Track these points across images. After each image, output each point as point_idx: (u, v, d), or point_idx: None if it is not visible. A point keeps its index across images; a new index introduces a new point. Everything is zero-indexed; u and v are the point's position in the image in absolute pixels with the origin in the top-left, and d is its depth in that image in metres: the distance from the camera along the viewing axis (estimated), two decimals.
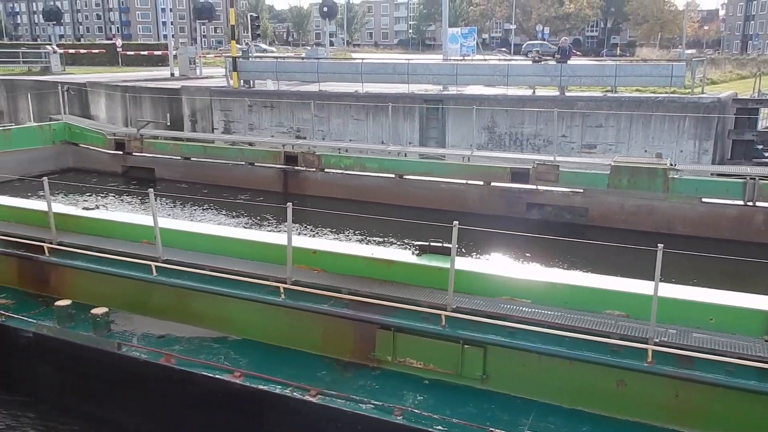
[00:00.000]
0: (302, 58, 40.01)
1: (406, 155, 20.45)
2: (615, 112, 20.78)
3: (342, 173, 19.06)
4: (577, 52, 56.43)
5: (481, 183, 18.32)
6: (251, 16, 38.21)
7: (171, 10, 46.68)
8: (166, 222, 10.36)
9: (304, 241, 9.59)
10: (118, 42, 57.67)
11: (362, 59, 31.66)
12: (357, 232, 16.17)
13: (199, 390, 7.94)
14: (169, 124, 25.01)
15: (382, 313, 7.79)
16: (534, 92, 24.70)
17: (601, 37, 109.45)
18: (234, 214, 17.35)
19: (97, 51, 57.74)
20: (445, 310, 7.45)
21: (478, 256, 14.32)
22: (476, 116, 20.85)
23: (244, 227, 15.86)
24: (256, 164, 19.21)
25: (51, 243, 9.84)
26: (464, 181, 18.56)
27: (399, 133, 24.05)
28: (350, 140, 23.77)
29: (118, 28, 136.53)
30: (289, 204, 8.20)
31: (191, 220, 16.14)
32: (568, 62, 25.44)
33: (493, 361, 7.42)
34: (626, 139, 19.90)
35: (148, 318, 9.25)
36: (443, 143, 23.37)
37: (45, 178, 9.88)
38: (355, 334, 8.11)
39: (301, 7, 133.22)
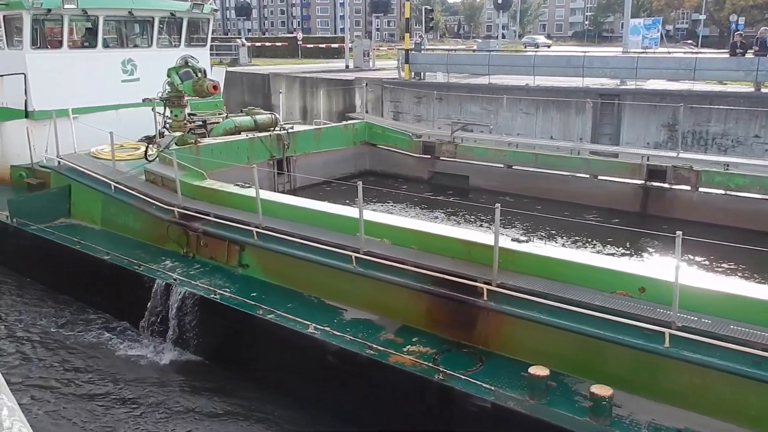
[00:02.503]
0: (473, 51, 39.88)
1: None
2: None
3: (728, 195, 14.83)
4: None
5: None
6: (425, 9, 38.64)
7: (348, 4, 48.58)
8: (654, 269, 7.85)
9: None
10: (299, 35, 61.08)
11: (535, 51, 30.85)
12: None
13: None
14: (491, 127, 22.31)
15: None
16: (725, 86, 22.69)
17: None
18: (585, 238, 13.41)
19: (280, 44, 61.61)
20: None
21: None
22: (656, 113, 19.51)
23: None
24: (600, 177, 15.64)
25: (491, 284, 7.76)
26: None
27: (570, 129, 23.24)
28: (518, 134, 23.33)
29: (299, 22, 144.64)
30: None
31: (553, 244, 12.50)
32: None
33: None
34: None
35: (640, 398, 6.94)
36: (617, 140, 22.23)
37: (497, 205, 7.74)
38: None
39: None
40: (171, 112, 14.53)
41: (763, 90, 21.56)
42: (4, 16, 15.88)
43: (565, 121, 23.22)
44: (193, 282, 10.30)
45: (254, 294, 9.82)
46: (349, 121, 19.55)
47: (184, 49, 17.55)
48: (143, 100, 14.90)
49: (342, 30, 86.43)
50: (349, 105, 29.68)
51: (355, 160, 18.64)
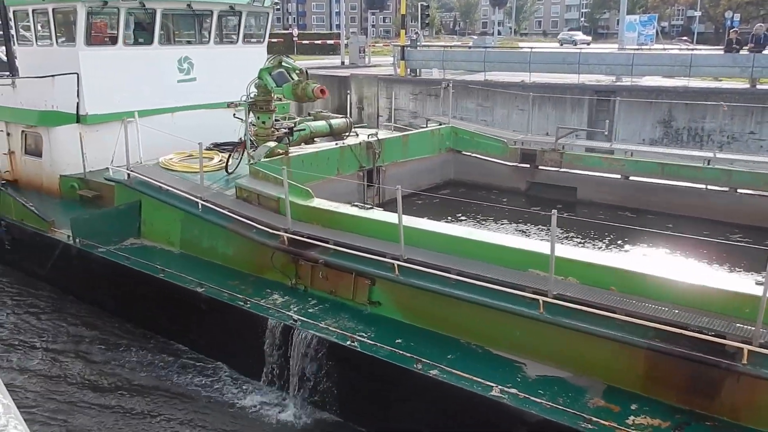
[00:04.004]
0: (468, 47, 39.86)
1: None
2: None
3: None
4: None
5: None
6: (422, 5, 38.59)
7: (344, 0, 48.47)
8: None
9: None
10: (295, 32, 60.91)
11: (531, 48, 30.85)
12: None
13: None
14: (607, 133, 20.26)
15: None
16: (720, 83, 22.75)
17: None
18: (735, 263, 10.87)
19: (275, 40, 61.40)
20: None
21: None
22: (651, 110, 19.54)
23: None
24: (740, 191, 13.54)
25: (751, 344, 6.12)
26: None
27: (565, 125, 23.25)
28: (513, 131, 23.36)
29: (294, 18, 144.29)
30: None
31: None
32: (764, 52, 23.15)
33: None
34: None
35: None
36: (612, 137, 22.28)
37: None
38: None
39: None
40: (258, 118, 12.67)
41: (759, 86, 21.61)
42: (53, 9, 14.10)
43: (560, 118, 23.21)
44: (318, 324, 8.63)
45: (399, 341, 8.10)
46: (434, 126, 17.60)
47: (241, 47, 16.44)
48: (228, 105, 13.31)
49: (338, 26, 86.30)
50: (344, 101, 29.65)
51: (441, 169, 16.70)
